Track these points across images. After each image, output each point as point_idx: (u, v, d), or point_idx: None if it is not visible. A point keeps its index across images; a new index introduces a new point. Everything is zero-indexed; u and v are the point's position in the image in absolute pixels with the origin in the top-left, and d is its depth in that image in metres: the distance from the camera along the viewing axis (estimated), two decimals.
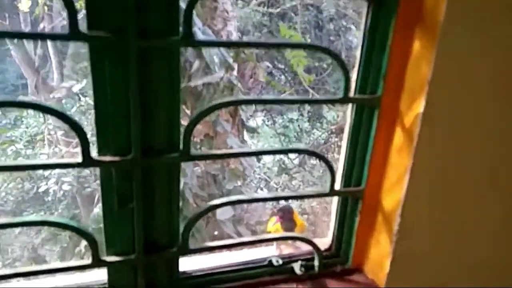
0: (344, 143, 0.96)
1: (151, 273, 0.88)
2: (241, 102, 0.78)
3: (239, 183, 2.66)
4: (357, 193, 0.97)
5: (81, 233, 0.80)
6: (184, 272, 0.94)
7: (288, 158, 7.12)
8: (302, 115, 8.03)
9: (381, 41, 0.85)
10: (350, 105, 0.93)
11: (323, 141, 7.51)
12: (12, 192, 5.91)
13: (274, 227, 1.55)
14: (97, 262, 0.83)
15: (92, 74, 0.71)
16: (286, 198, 0.94)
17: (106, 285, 0.87)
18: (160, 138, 0.78)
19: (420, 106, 0.83)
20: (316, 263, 1.00)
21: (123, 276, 0.86)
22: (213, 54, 2.33)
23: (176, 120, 0.79)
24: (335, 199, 1.03)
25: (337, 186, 0.96)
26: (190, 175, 2.36)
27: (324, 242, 1.11)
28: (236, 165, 2.89)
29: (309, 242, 0.98)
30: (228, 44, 0.92)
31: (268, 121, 7.97)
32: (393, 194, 0.93)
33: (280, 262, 0.99)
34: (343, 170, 0.97)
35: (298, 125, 7.98)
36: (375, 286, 0.99)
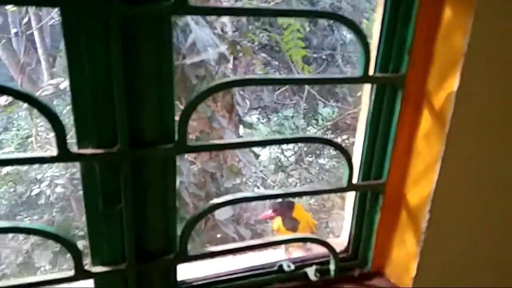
0: (361, 130, 0.84)
1: (145, 284, 0.76)
2: (241, 82, 0.66)
3: (237, 181, 2.54)
4: (378, 187, 0.85)
5: (59, 239, 0.67)
6: (183, 282, 0.82)
7: (284, 156, 7.02)
8: (297, 112, 7.95)
9: (405, 9, 0.73)
10: (368, 86, 0.81)
11: None
12: (5, 196, 5.76)
13: (277, 225, 1.43)
14: (81, 274, 0.70)
15: (67, 49, 0.59)
16: (298, 195, 0.82)
17: None
18: (151, 126, 0.66)
19: (453, 84, 0.71)
20: (331, 267, 0.89)
21: None
22: (207, 46, 2.20)
23: (169, 106, 0.67)
24: (351, 195, 0.91)
25: (355, 179, 0.84)
26: (186, 173, 2.24)
27: (339, 243, 0.99)
28: (234, 162, 2.77)
29: (324, 243, 0.86)
30: (227, 12, 0.81)
31: (263, 118, 7.87)
32: (420, 187, 0.81)
33: (292, 267, 0.87)
34: (361, 161, 0.86)
35: (294, 122, 7.88)
36: None
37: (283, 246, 1.10)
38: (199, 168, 2.53)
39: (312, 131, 7.83)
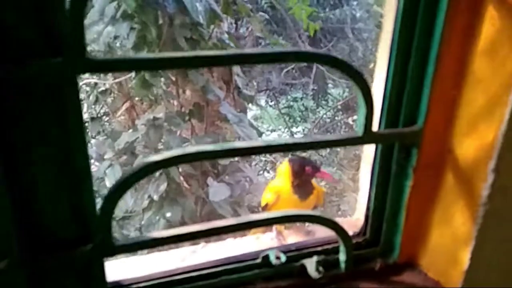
0: (384, 49, 0.55)
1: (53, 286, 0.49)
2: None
3: (236, 158, 2.26)
4: (410, 137, 0.57)
5: None
6: (116, 284, 0.55)
7: (292, 134, 6.70)
8: (306, 93, 7.67)
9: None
10: None
11: (328, 120, 7.12)
12: None
13: (273, 193, 0.96)
14: None
15: None
16: (302, 147, 0.52)
17: None
18: None
19: None
20: (341, 257, 0.61)
21: None
22: (196, 1, 1.90)
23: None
24: (369, 152, 0.63)
25: (375, 126, 0.55)
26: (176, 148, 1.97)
27: (352, 223, 0.71)
28: (232, 136, 2.49)
29: (330, 223, 0.58)
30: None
31: (271, 101, 7.61)
32: (478, 134, 0.52)
33: (283, 258, 0.59)
34: (384, 98, 0.57)
35: (303, 104, 7.61)
36: None
37: (274, 228, 0.82)
38: (193, 144, 2.25)
39: (321, 112, 7.54)
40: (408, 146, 0.57)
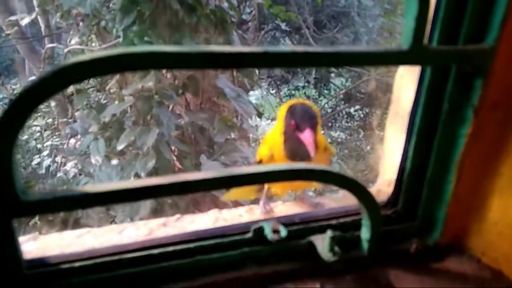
0: None
1: None
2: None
3: (232, 135, 2.08)
4: (474, 60, 0.38)
5: None
6: (40, 261, 0.38)
7: None
8: (308, 82, 7.51)
9: None
10: None
11: (330, 110, 6.96)
12: None
13: (267, 149, 0.70)
14: None
15: None
16: (324, 62, 0.33)
17: None
18: None
19: None
20: (365, 234, 0.43)
21: None
22: None
23: None
24: (405, 84, 0.45)
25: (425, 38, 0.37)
26: (167, 123, 1.79)
27: (377, 189, 0.54)
28: (230, 114, 2.31)
29: (353, 186, 0.40)
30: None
31: (272, 89, 7.44)
32: None
33: (284, 233, 0.41)
34: (438, 3, 0.38)
35: (305, 93, 7.45)
36: (508, 285, 0.42)
37: (263, 195, 0.63)
38: (187, 121, 2.07)
39: (323, 102, 7.39)
40: (470, 74, 0.39)
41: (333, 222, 0.45)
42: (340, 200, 0.62)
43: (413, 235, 0.47)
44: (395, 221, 0.47)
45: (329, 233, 0.41)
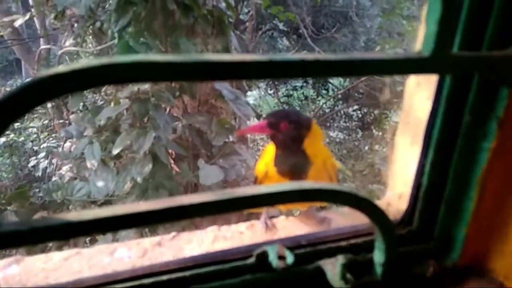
0: None
1: None
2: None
3: (231, 138, 2.04)
4: (500, 67, 0.35)
5: None
6: None
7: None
8: (306, 82, 7.50)
9: None
10: None
11: (328, 110, 6.94)
12: None
13: (263, 166, 0.67)
14: None
15: None
16: (335, 71, 0.29)
17: None
18: None
19: None
20: (378, 257, 0.39)
21: None
22: None
23: None
24: (420, 93, 0.41)
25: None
26: (163, 126, 1.75)
27: (386, 203, 0.50)
28: (228, 117, 2.27)
29: (365, 204, 0.36)
30: None
31: (270, 89, 7.42)
32: None
33: (290, 259, 0.38)
34: (460, 5, 0.35)
35: (303, 93, 7.43)
36: None
37: (264, 213, 0.58)
38: (184, 124, 2.03)
39: (321, 102, 7.38)
40: (495, 83, 0.36)
41: (343, 243, 0.41)
42: (347, 214, 0.58)
43: (429, 256, 0.43)
44: (409, 241, 0.43)
45: (340, 259, 0.37)
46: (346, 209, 0.61)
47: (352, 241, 0.42)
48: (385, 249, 0.39)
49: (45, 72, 0.25)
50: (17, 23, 2.25)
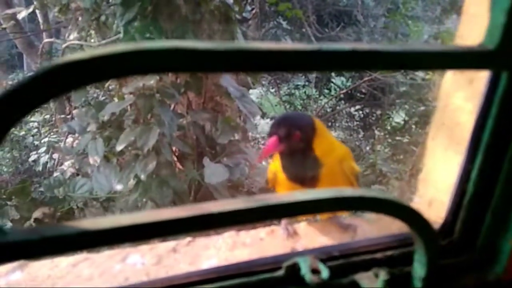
0: None
1: None
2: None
3: (236, 136, 2.00)
4: None
5: None
6: None
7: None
8: (308, 81, 7.46)
9: None
10: None
11: (330, 109, 6.90)
12: None
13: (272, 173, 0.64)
14: None
15: None
16: (390, 66, 0.26)
17: None
18: None
19: None
20: (418, 270, 0.36)
21: None
22: None
23: None
24: (463, 90, 0.37)
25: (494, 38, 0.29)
26: (168, 123, 1.71)
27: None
28: (233, 114, 2.23)
29: (405, 212, 0.33)
30: None
31: (272, 88, 7.39)
32: None
33: (325, 273, 0.34)
34: None
35: (305, 92, 7.39)
36: None
37: (282, 222, 0.54)
38: (189, 121, 2.00)
39: (323, 101, 7.34)
40: None
41: (378, 255, 0.38)
42: (373, 221, 0.54)
43: (470, 269, 0.40)
44: (450, 253, 0.40)
45: (382, 275, 0.34)
46: (373, 215, 0.57)
47: (388, 252, 0.38)
48: (427, 262, 0.35)
49: (62, 59, 0.21)
50: (20, 16, 2.21)
